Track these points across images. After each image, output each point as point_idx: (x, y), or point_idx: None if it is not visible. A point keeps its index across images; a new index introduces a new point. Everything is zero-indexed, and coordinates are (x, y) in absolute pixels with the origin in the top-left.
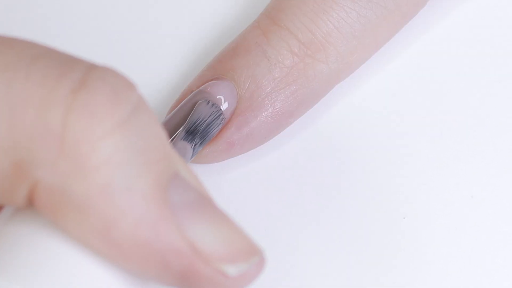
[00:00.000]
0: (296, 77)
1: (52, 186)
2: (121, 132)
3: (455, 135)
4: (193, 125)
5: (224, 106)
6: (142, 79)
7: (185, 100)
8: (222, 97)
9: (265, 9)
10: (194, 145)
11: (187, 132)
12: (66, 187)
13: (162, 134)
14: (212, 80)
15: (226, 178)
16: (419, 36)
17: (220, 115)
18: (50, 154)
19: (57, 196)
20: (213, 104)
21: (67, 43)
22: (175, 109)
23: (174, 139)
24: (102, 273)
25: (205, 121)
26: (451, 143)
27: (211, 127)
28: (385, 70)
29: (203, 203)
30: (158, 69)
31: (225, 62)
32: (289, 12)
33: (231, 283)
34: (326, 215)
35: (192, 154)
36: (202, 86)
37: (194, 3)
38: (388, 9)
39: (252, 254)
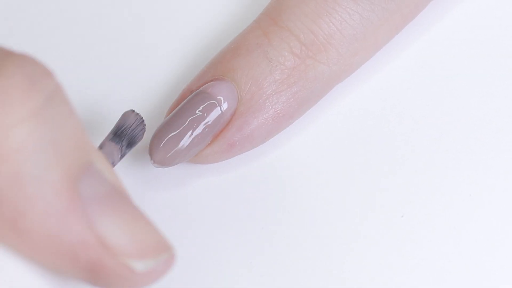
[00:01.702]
0: (297, 78)
1: None
2: (34, 120)
3: (454, 134)
4: (119, 129)
5: (224, 107)
6: (141, 78)
7: (185, 101)
8: (222, 98)
9: (265, 8)
10: (121, 147)
11: (114, 135)
12: None
13: (77, 125)
14: (212, 80)
15: (226, 178)
16: (419, 37)
17: (142, 121)
18: None
19: None
20: (136, 113)
21: (67, 43)
22: (175, 110)
23: (103, 141)
24: (13, 267)
25: (131, 127)
26: (450, 142)
27: (135, 131)
28: (385, 71)
29: (115, 197)
30: (158, 69)
31: (226, 63)
32: (291, 12)
33: (138, 279)
34: (325, 214)
35: (121, 155)
36: (202, 86)
37: (194, 2)
38: (389, 11)
39: (161, 252)
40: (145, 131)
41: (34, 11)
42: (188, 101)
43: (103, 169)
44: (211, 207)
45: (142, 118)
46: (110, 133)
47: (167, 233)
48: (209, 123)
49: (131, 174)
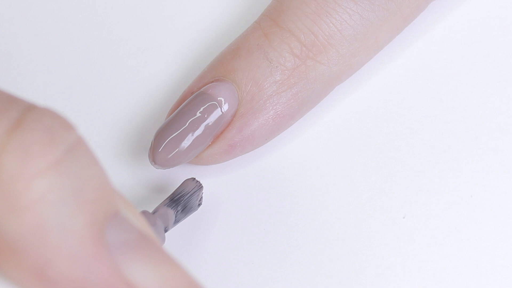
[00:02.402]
0: (297, 79)
1: None
2: (55, 171)
3: (455, 135)
4: (178, 195)
5: (224, 108)
6: (142, 79)
7: (185, 102)
8: (222, 99)
9: (265, 9)
10: (176, 212)
11: (171, 200)
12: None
13: (101, 174)
14: (213, 81)
15: (227, 179)
16: (419, 37)
17: (200, 188)
18: None
19: None
20: (196, 181)
21: (67, 43)
22: (176, 111)
23: (159, 205)
24: None
25: (188, 193)
26: (451, 143)
27: (191, 199)
28: (385, 71)
29: (144, 243)
30: (158, 70)
31: (226, 64)
32: (291, 13)
33: None
34: (326, 215)
35: (175, 220)
36: (203, 87)
37: (194, 3)
38: (390, 12)
39: None
40: (201, 198)
41: (35, 10)
42: (189, 102)
43: (130, 217)
44: (212, 208)
45: (201, 185)
46: (167, 198)
47: (168, 235)
48: (209, 124)
49: (132, 175)
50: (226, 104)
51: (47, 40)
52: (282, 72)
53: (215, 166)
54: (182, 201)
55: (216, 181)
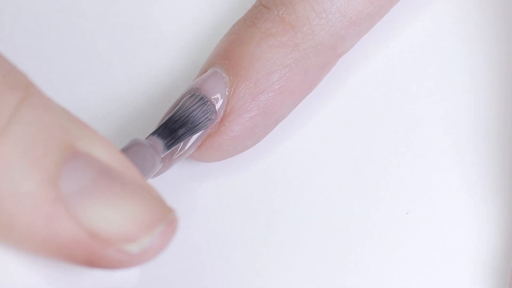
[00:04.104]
0: (290, 54)
1: None
2: (2, 136)
3: (460, 130)
4: (174, 121)
5: (219, 104)
6: (137, 79)
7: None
8: (216, 93)
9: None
10: (168, 143)
11: (164, 127)
12: None
13: (50, 120)
14: (203, 75)
15: (226, 178)
16: (417, 35)
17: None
18: None
19: None
20: (204, 101)
21: (68, 42)
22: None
23: (149, 135)
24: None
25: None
26: (455, 139)
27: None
28: (385, 69)
29: (100, 181)
30: (154, 69)
31: (220, 56)
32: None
33: (138, 259)
34: (329, 211)
35: (177, 153)
36: (194, 82)
37: (192, 3)
38: None
39: (153, 225)
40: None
41: (36, 9)
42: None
43: (93, 149)
44: (212, 205)
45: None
46: (159, 124)
47: None
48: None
49: None
50: (221, 100)
51: (46, 39)
52: (270, 49)
53: (214, 165)
54: (177, 128)
55: (214, 180)
